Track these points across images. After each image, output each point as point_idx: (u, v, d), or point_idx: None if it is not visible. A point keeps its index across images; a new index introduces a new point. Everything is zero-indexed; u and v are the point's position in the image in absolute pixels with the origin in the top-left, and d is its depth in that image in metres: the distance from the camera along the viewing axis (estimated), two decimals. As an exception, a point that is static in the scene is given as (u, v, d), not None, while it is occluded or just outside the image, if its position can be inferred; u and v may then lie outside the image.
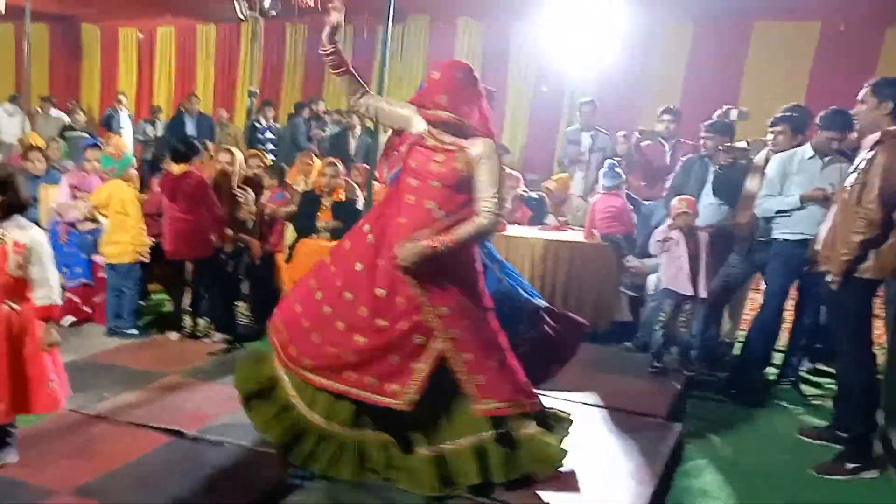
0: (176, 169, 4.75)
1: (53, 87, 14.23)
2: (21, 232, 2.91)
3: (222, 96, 13.29)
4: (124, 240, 4.80)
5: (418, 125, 3.04)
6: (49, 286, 2.95)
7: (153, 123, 10.84)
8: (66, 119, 9.51)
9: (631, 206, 5.88)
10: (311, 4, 8.67)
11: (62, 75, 14.70)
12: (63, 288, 4.11)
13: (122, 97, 10.34)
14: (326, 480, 3.04)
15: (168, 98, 13.76)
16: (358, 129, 9.73)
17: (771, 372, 4.89)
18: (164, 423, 3.42)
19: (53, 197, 5.32)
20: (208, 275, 4.88)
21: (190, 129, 9.91)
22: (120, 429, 3.35)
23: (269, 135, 9.21)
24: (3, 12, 8.54)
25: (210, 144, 8.26)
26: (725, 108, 5.65)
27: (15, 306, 2.89)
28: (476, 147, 2.94)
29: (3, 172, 2.91)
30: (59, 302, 3.04)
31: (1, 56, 14.90)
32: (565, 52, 9.30)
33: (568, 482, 3.19)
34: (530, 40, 10.96)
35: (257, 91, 10.52)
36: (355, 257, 3.05)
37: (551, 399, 4.18)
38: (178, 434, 3.34)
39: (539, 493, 3.05)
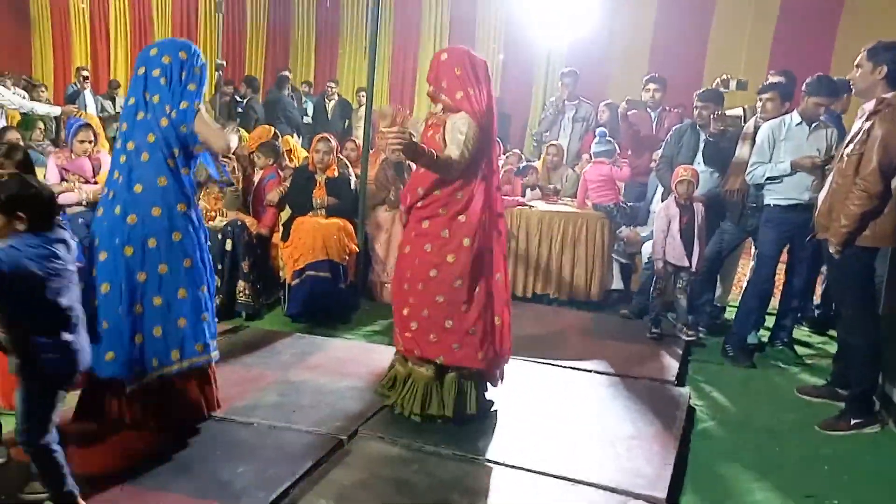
0: None
1: (2, 62, 13.64)
2: None
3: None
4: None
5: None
6: None
7: (112, 99, 10.53)
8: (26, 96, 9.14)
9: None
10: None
11: (11, 49, 14.08)
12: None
13: (85, 73, 9.98)
14: (367, 455, 3.10)
15: (126, 71, 13.33)
16: (334, 102, 9.63)
17: (763, 334, 5.06)
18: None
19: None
20: None
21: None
22: (147, 414, 3.32)
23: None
24: None
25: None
26: (724, 76, 5.70)
27: None
28: (452, 119, 3.27)
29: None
30: None
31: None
32: (533, 21, 9.31)
33: (595, 448, 3.30)
34: (497, 9, 10.94)
35: (224, 63, 10.27)
36: None
37: (559, 368, 4.31)
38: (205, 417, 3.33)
39: (570, 460, 3.14)
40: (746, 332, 4.76)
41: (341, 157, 5.76)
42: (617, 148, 5.90)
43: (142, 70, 3.10)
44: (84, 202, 4.78)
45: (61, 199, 4.79)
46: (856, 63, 3.75)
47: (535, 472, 3.04)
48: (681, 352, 4.71)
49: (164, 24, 13.11)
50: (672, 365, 4.45)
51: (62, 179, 4.91)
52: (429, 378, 3.38)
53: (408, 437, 3.27)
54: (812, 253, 4.67)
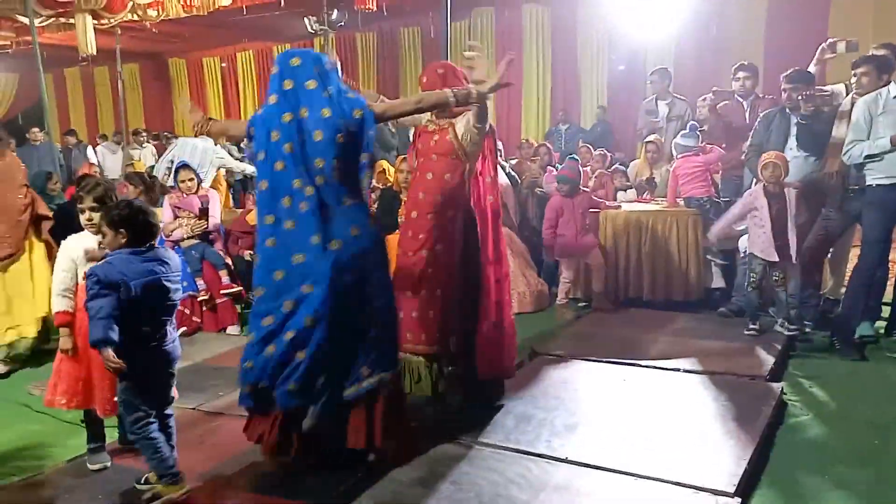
0: None
1: (148, 120, 15.15)
2: None
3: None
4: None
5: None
6: None
7: (237, 144, 11.39)
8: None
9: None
10: (374, 8, 8.88)
11: (156, 109, 15.63)
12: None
13: (215, 122, 10.94)
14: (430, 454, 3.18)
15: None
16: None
17: (880, 325, 4.69)
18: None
19: (158, 218, 5.70)
20: None
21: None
22: (236, 421, 3.58)
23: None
24: (95, 53, 9.20)
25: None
26: (830, 41, 5.18)
27: None
28: (460, 120, 3.44)
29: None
30: None
31: (101, 96, 16.03)
32: (636, 24, 9.13)
33: (668, 444, 3.20)
34: (598, 16, 10.78)
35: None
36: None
37: (643, 368, 4.20)
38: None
39: (639, 456, 3.07)
40: (853, 324, 4.42)
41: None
42: (699, 138, 5.72)
43: (289, 84, 2.77)
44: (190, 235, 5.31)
45: (175, 235, 5.32)
46: None
47: (595, 467, 3.01)
48: (780, 347, 4.45)
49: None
50: (767, 361, 4.22)
51: (175, 217, 5.43)
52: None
53: (473, 435, 3.33)
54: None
